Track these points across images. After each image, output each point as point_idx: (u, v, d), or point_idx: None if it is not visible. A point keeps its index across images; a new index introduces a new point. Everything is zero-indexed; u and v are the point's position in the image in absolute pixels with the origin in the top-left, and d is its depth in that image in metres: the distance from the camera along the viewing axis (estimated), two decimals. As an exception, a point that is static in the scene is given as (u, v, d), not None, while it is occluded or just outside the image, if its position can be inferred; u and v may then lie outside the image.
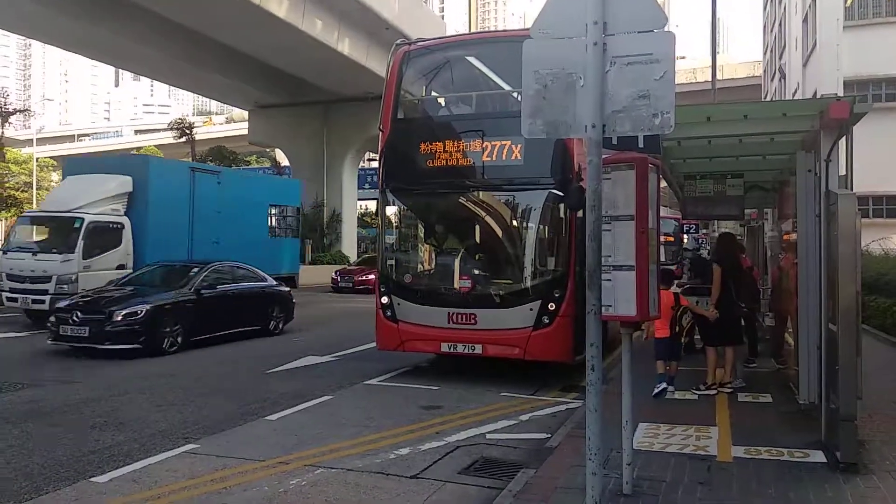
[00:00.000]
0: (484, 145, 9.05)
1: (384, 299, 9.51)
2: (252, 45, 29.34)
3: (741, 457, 5.62)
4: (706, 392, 7.87)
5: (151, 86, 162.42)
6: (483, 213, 9.88)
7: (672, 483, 5.01)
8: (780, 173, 9.35)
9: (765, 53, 46.65)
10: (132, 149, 73.46)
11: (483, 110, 10.02)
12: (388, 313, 9.46)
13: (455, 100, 10.72)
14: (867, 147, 17.59)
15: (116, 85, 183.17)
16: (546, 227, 9.09)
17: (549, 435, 6.51)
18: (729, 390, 7.91)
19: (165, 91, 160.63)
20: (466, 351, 8.91)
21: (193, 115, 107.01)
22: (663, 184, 12.71)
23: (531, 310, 8.65)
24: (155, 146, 70.42)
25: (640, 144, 4.37)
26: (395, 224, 10.59)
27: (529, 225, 9.33)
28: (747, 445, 5.86)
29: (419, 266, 10.27)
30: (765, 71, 47.16)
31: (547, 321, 8.56)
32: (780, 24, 38.00)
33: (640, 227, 4.47)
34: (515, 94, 9.65)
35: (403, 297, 9.40)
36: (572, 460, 5.43)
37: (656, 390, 7.78)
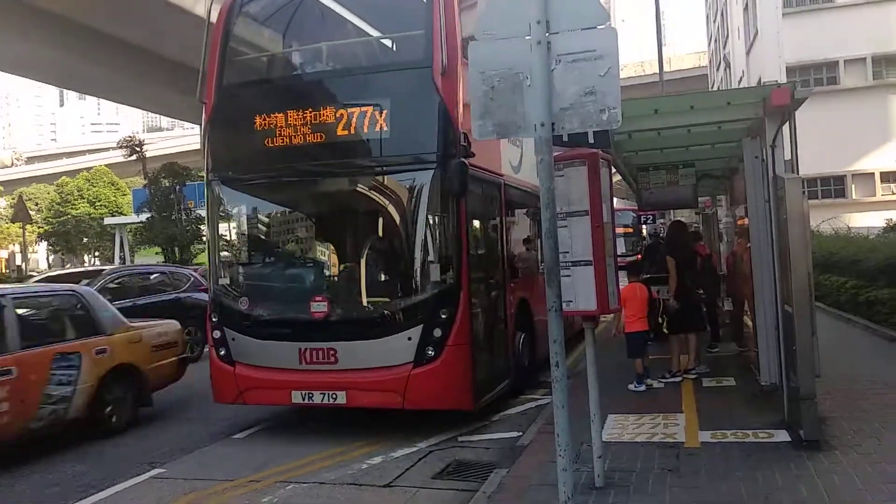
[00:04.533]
0: (339, 114, 6.83)
1: (216, 333, 7.26)
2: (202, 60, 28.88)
3: (708, 441, 5.71)
4: (671, 380, 7.99)
5: (98, 104, 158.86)
6: (341, 209, 7.67)
7: (642, 472, 5.07)
8: (730, 161, 9.57)
9: (709, 43, 47.73)
10: (71, 171, 71.75)
11: (338, 65, 7.71)
12: (222, 352, 7.19)
13: (301, 55, 8.07)
14: (813, 130, 18.13)
15: (61, 105, 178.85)
16: (427, 224, 6.75)
17: (521, 433, 6.53)
18: (693, 376, 8.04)
19: (113, 109, 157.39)
20: (326, 401, 6.75)
21: (143, 131, 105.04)
22: (618, 177, 12.90)
23: (409, 339, 6.54)
24: (105, 165, 69.02)
25: (591, 140, 4.42)
26: (226, 229, 7.85)
27: (404, 221, 7.02)
28: (714, 430, 5.96)
29: (259, 285, 7.67)
30: (710, 60, 48.27)
31: (432, 353, 6.48)
32: (722, 14, 38.92)
33: (596, 222, 4.51)
34: (380, 40, 7.96)
35: (239, 330, 7.13)
36: (544, 457, 5.44)
37: (637, 389, 7.67)
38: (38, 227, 64.02)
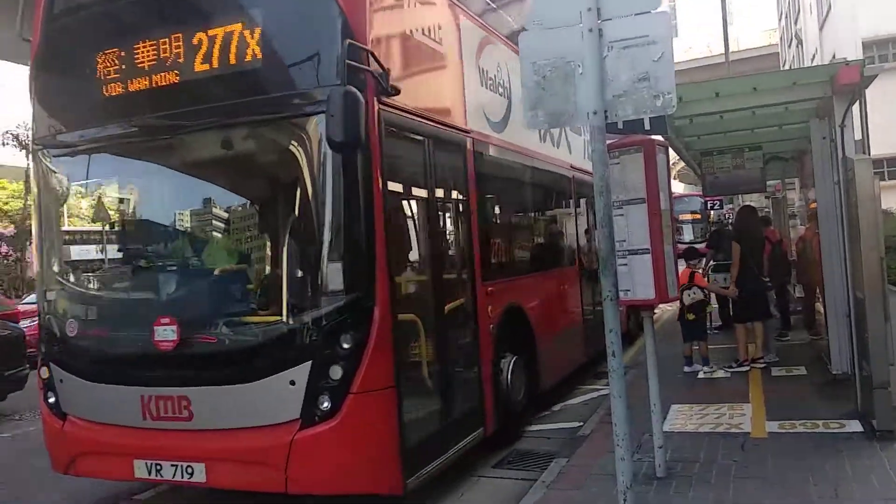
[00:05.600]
0: (196, 40, 4.56)
1: (43, 371, 5.22)
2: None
3: (776, 431, 5.57)
4: (739, 369, 7.81)
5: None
6: (203, 184, 5.35)
7: (706, 462, 4.99)
8: (798, 142, 9.22)
9: (780, 20, 45.87)
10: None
11: None
12: (51, 399, 5.16)
13: None
14: (890, 108, 17.22)
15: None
16: (323, 201, 4.35)
17: (582, 423, 6.51)
18: (762, 365, 7.83)
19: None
20: (179, 477, 4.58)
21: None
22: (682, 164, 12.54)
23: (293, 383, 4.28)
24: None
25: (647, 126, 4.36)
26: (54, 217, 5.48)
27: (287, 199, 4.76)
28: (782, 420, 5.80)
29: (91, 300, 5.39)
30: (781, 38, 46.38)
31: (328, 405, 4.23)
32: (792, -10, 37.33)
33: (653, 210, 4.46)
34: None
35: (67, 367, 5.07)
36: (605, 447, 5.38)
37: (688, 369, 7.88)
38: (117, 226, 66.86)
